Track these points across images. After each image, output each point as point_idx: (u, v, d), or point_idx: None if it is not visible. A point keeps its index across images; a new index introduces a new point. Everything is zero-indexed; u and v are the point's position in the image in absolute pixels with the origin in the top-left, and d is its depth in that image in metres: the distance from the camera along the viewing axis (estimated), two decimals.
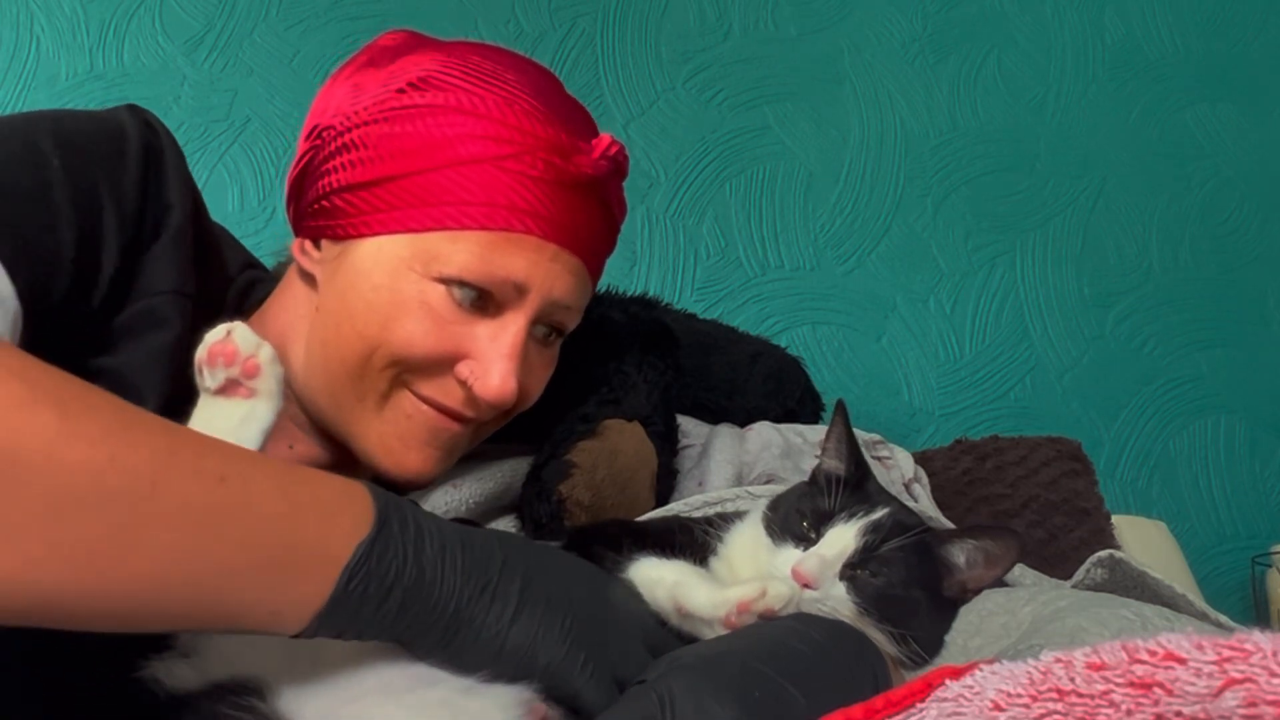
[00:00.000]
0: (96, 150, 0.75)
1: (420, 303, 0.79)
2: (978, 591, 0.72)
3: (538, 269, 0.81)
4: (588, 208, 0.84)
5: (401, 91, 0.81)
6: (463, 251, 0.79)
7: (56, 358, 0.59)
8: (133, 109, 0.80)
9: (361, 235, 0.81)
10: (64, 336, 0.71)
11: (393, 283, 0.80)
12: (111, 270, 0.73)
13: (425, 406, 0.82)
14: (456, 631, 0.60)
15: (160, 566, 0.53)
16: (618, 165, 0.84)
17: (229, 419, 0.66)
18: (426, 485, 0.99)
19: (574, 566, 0.68)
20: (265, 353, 0.67)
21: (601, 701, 0.61)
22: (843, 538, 0.70)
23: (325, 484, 0.60)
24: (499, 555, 0.62)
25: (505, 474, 1.25)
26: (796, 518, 0.72)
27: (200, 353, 0.67)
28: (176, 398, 0.75)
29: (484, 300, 0.80)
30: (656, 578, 0.67)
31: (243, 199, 1.77)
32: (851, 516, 0.71)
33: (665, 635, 0.67)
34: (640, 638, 0.65)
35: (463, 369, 0.81)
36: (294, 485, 0.58)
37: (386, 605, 0.57)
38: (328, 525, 0.57)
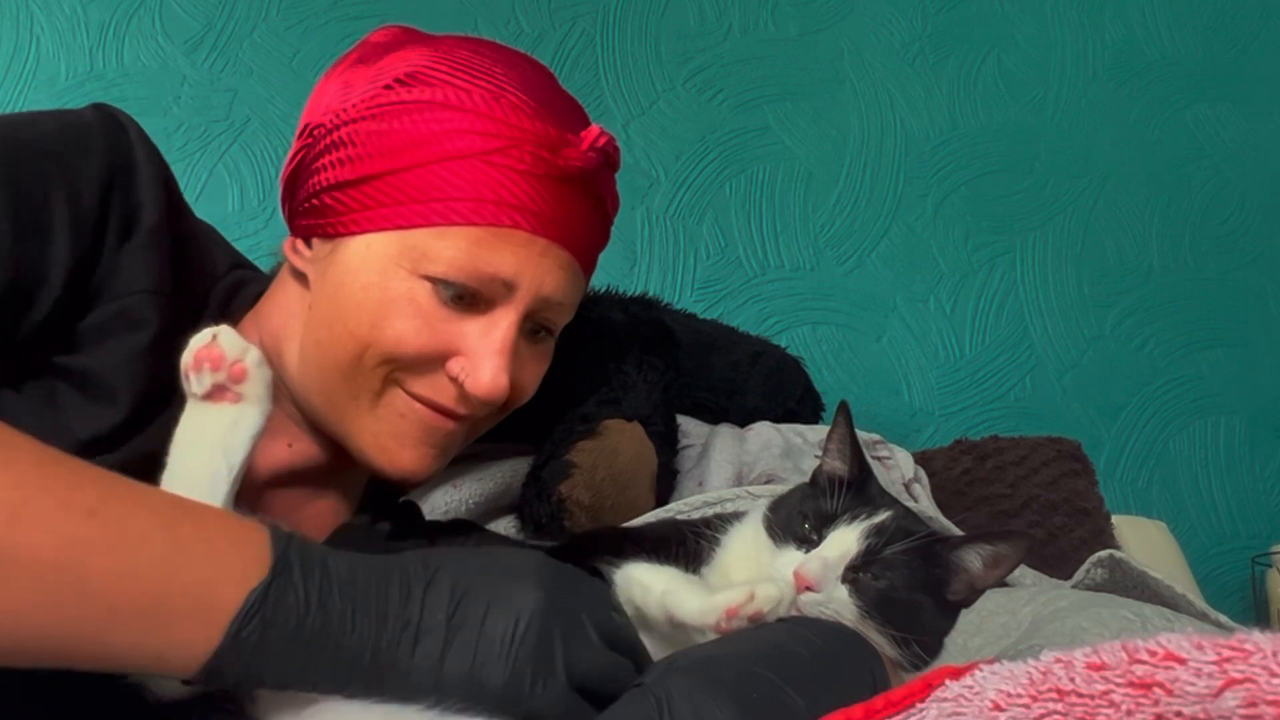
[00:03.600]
0: (49, 149, 0.73)
1: (409, 300, 0.79)
2: (982, 592, 0.72)
3: (527, 264, 0.80)
4: (578, 201, 0.83)
5: (389, 88, 0.81)
6: (450, 248, 0.78)
7: (10, 356, 0.57)
8: (99, 107, 0.79)
9: (351, 233, 0.81)
10: (17, 335, 0.70)
11: (382, 281, 0.79)
12: (63, 269, 0.72)
13: (418, 405, 0.82)
14: (380, 677, 0.57)
15: (18, 605, 0.50)
16: (607, 157, 0.84)
17: (217, 425, 0.65)
18: (423, 483, 0.99)
19: (518, 567, 0.63)
20: (252, 356, 0.66)
21: (558, 710, 0.59)
22: (845, 540, 0.69)
23: (219, 525, 0.57)
24: (419, 587, 0.59)
25: (505, 474, 1.25)
26: (798, 519, 0.72)
27: (186, 358, 0.65)
28: (153, 396, 0.74)
29: (473, 297, 0.80)
30: (647, 584, 0.67)
31: (243, 199, 1.76)
32: (854, 519, 0.70)
33: (620, 623, 0.65)
34: (594, 627, 0.62)
35: (454, 366, 0.80)
36: (180, 525, 0.56)
37: (289, 655, 0.55)
38: (215, 568, 0.55)
